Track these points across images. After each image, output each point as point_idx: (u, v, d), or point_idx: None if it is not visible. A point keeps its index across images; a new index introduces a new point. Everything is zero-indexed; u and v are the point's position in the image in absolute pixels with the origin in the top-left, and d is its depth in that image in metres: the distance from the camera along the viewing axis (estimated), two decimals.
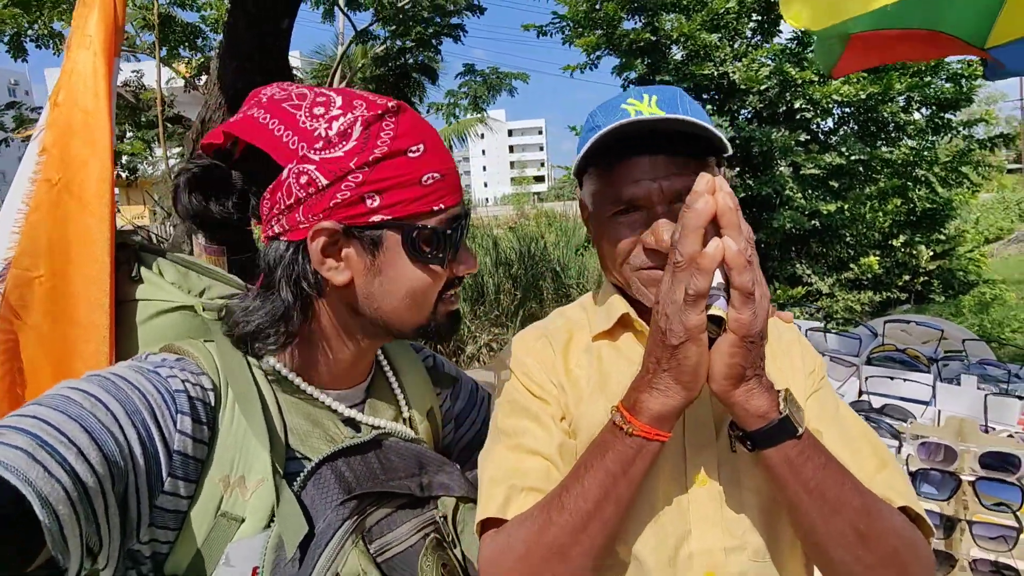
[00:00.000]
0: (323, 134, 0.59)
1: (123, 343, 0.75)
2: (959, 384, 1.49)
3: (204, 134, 2.76)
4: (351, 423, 0.71)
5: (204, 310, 0.71)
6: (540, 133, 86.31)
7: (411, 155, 0.61)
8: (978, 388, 1.43)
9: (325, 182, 0.59)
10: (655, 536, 0.75)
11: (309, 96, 0.62)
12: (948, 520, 1.30)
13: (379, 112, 0.61)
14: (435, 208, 0.63)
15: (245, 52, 2.39)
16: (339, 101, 0.62)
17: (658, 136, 0.72)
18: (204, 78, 4.37)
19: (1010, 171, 25.08)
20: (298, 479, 0.61)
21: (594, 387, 0.81)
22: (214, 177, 0.65)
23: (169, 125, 3.91)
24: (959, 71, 5.26)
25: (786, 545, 0.77)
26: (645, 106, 0.73)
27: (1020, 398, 1.33)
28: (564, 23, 5.90)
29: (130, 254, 0.78)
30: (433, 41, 4.21)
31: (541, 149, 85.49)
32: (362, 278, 0.64)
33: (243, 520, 0.58)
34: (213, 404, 0.60)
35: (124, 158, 5.05)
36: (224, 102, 2.52)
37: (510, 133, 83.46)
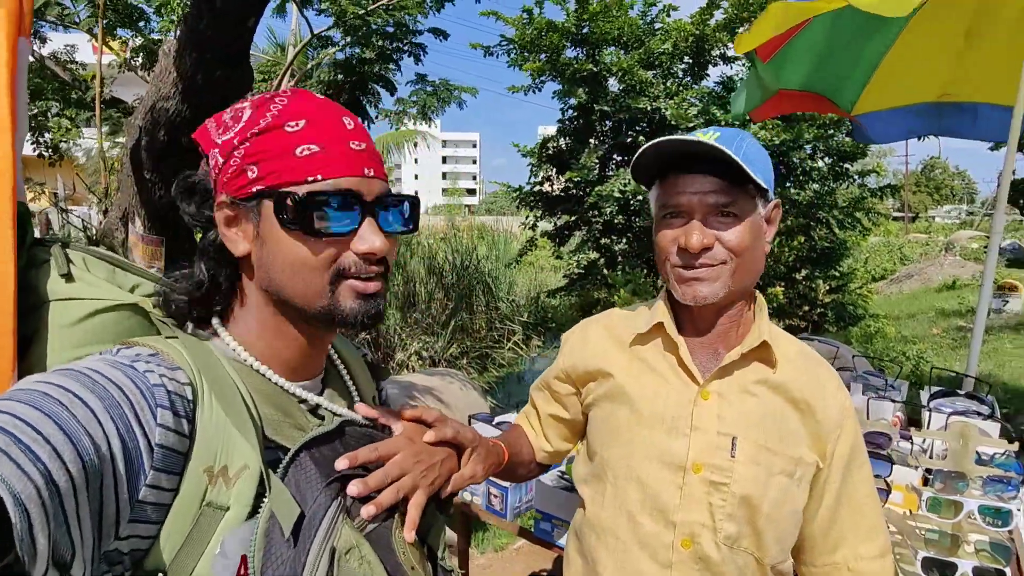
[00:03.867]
0: (225, 119, 0.67)
1: (45, 347, 0.69)
2: (849, 390, 1.77)
3: (155, 120, 2.66)
4: (314, 412, 0.73)
5: (155, 307, 0.71)
6: (474, 147, 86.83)
7: (288, 129, 0.65)
8: (863, 394, 1.71)
9: (221, 160, 0.66)
10: (652, 503, 0.96)
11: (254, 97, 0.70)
12: None
13: (269, 96, 0.67)
14: (309, 179, 0.64)
15: (207, 44, 2.39)
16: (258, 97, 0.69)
17: (704, 161, 0.90)
18: (140, 60, 4.19)
19: (894, 218, 27.96)
20: (280, 466, 0.63)
21: (618, 387, 1.03)
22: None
23: (104, 108, 3.72)
24: None
25: (762, 543, 0.93)
26: (708, 138, 0.89)
27: (893, 401, 1.62)
28: (511, 46, 6.13)
29: (57, 250, 0.74)
30: (394, 56, 4.28)
31: (474, 163, 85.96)
32: (254, 248, 0.68)
33: (227, 509, 0.59)
34: (191, 398, 0.60)
35: (47, 135, 4.77)
36: (179, 91, 2.49)
37: (444, 144, 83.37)
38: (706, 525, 0.93)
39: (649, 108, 5.84)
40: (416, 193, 0.77)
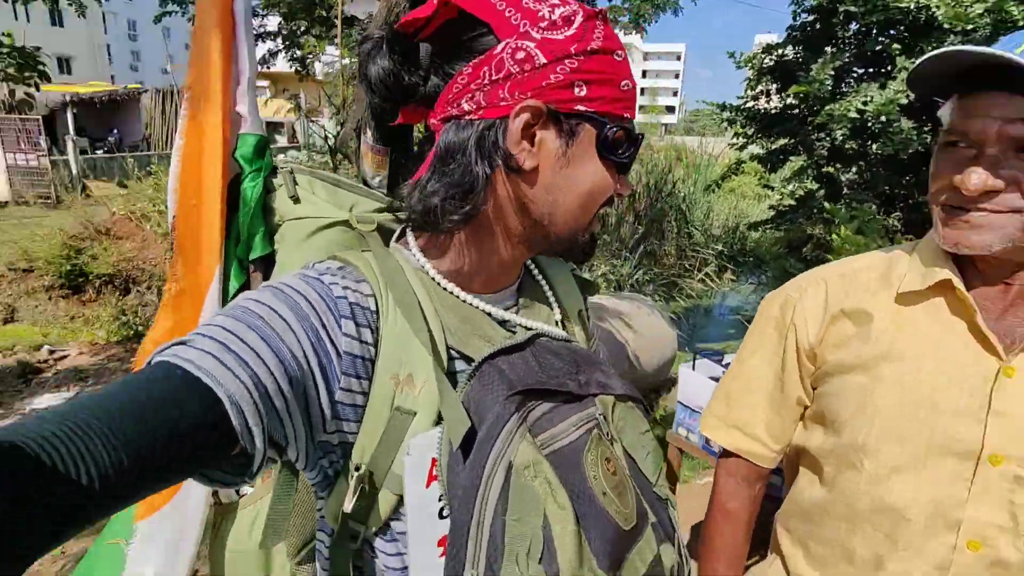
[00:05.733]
0: (547, 16, 0.61)
1: (286, 258, 0.87)
2: None
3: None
4: (504, 325, 0.72)
5: (359, 222, 0.76)
6: (679, 59, 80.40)
7: (616, 57, 0.63)
8: None
9: (543, 60, 0.60)
10: (927, 499, 0.79)
11: None
12: None
13: (595, 12, 0.63)
14: (626, 115, 0.65)
15: None
16: None
17: (1014, 82, 0.68)
18: None
19: None
20: (462, 378, 0.63)
21: (881, 354, 0.83)
22: (404, 45, 0.63)
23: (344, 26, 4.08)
24: None
25: None
26: None
27: None
28: None
29: (286, 175, 0.89)
30: None
31: (676, 77, 79.92)
32: (549, 166, 0.63)
33: (415, 413, 0.61)
34: (374, 309, 0.63)
35: (298, 52, 5.54)
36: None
37: (645, 57, 78.44)
38: (1005, 528, 0.76)
39: (913, 7, 4.76)
40: None
